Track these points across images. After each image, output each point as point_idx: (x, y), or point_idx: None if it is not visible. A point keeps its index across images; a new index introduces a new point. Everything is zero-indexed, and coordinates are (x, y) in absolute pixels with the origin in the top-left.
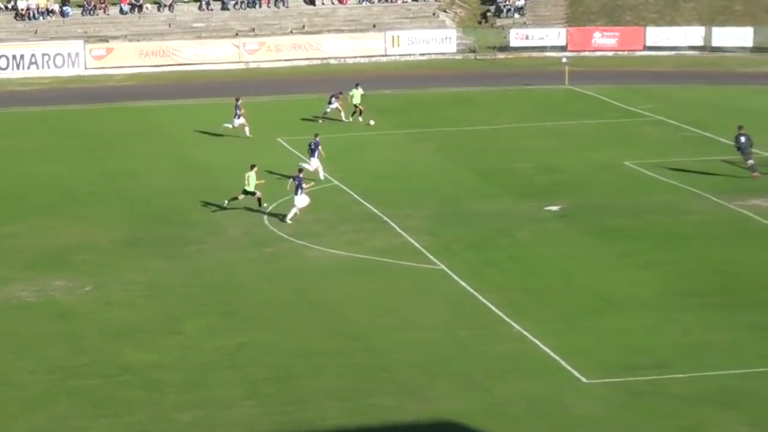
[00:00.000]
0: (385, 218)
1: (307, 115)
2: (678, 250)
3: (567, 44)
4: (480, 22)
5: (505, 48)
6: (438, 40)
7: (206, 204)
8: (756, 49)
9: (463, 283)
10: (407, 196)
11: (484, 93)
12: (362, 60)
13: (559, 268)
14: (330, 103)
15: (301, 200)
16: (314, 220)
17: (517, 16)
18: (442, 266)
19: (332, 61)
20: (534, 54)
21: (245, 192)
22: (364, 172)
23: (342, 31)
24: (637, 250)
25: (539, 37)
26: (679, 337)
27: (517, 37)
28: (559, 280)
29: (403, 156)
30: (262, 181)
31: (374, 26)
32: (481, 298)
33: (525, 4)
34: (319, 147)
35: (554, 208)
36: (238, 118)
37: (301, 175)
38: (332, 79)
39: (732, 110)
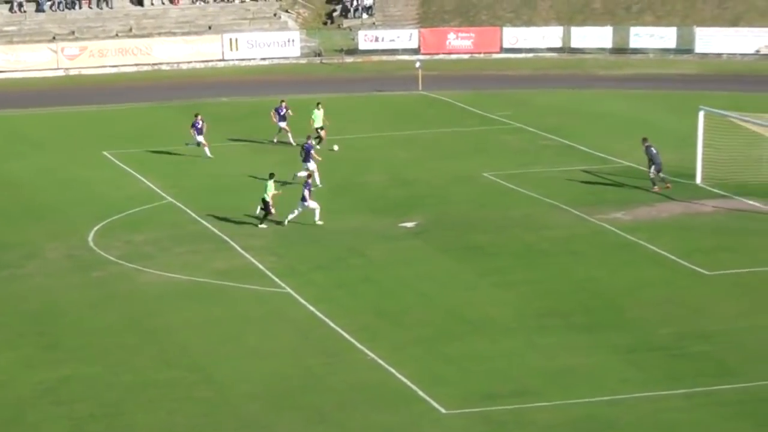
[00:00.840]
0: (225, 238)
1: (133, 125)
2: (539, 268)
3: (420, 46)
4: (325, 23)
5: (353, 51)
6: (280, 43)
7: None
8: (615, 50)
9: (311, 308)
10: (249, 214)
11: (331, 100)
12: (198, 65)
13: (415, 289)
14: (281, 117)
15: (311, 204)
16: (146, 240)
17: (365, 16)
18: (289, 289)
19: (164, 67)
20: (385, 57)
21: (263, 202)
22: (201, 187)
23: (174, 33)
24: (497, 269)
25: (390, 39)
26: (542, 362)
27: (366, 39)
28: (416, 302)
29: (243, 169)
30: (279, 192)
31: (210, 28)
32: (331, 323)
33: (374, 4)
34: (312, 150)
35: (410, 224)
36: (199, 134)
37: (309, 180)
38: (164, 87)
39: (592, 115)
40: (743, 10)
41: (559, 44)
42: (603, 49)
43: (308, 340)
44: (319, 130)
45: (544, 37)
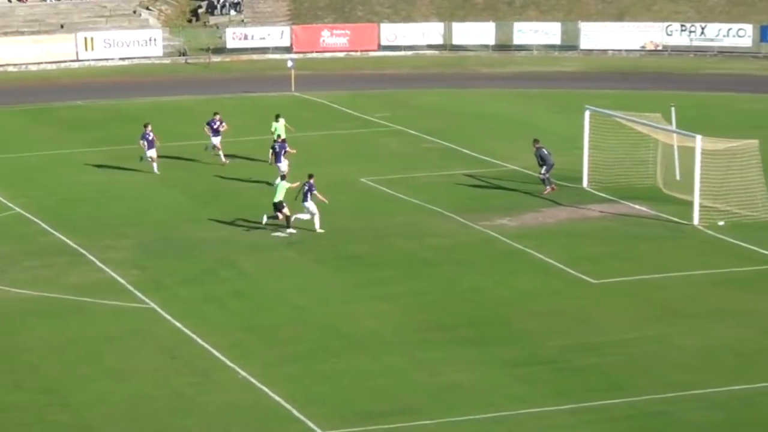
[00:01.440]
0: (81, 250)
1: None
2: (421, 278)
3: (292, 45)
4: (190, 21)
5: (221, 50)
6: (141, 42)
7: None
8: (498, 47)
9: (177, 324)
10: (107, 224)
11: (197, 102)
12: (49, 67)
13: (289, 302)
14: (214, 131)
15: (310, 207)
16: None
17: (233, 13)
18: (153, 304)
19: (10, 69)
20: (255, 56)
21: (276, 205)
22: (52, 196)
23: (22, 33)
24: (377, 280)
25: (260, 36)
26: (425, 378)
27: (234, 37)
28: (290, 317)
29: (100, 177)
30: (297, 185)
31: (62, 27)
32: (199, 340)
33: (242, 0)
34: (286, 149)
35: (283, 233)
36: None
37: (311, 181)
38: (10, 90)
39: (476, 116)
40: (629, 4)
41: (440, 41)
42: (486, 46)
43: (174, 359)
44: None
45: (424, 33)
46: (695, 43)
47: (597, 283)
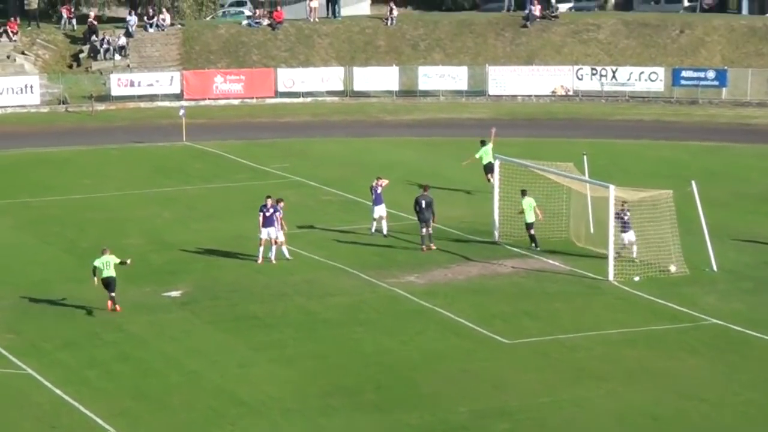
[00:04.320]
0: None
1: None
2: (323, 340)
3: (183, 91)
4: (71, 66)
5: (105, 97)
6: (16, 90)
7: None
8: (403, 92)
9: (58, 391)
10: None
11: (80, 153)
12: None
13: (181, 366)
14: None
15: (380, 209)
16: None
17: (118, 57)
18: (30, 370)
19: None
20: (143, 104)
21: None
22: None
23: None
24: (276, 342)
25: (148, 83)
26: None
27: (119, 84)
28: (182, 382)
29: None
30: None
31: None
32: (82, 408)
33: (128, 44)
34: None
35: (175, 293)
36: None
37: (378, 188)
38: None
39: (379, 166)
40: (537, 46)
41: (340, 87)
42: (389, 92)
43: (55, 429)
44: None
45: (324, 79)
46: (606, 88)
47: (510, 343)
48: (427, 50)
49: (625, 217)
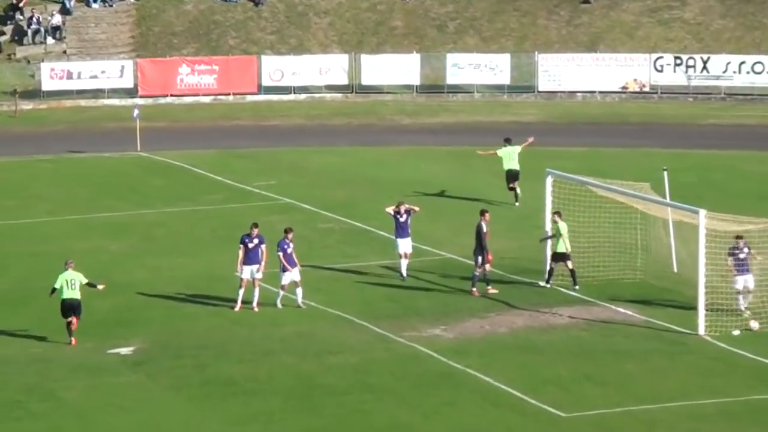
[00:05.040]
0: None
1: None
2: (320, 412)
3: (137, 85)
4: None
5: (34, 93)
6: None
7: None
8: (426, 88)
9: None
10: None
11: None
12: None
13: None
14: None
15: (405, 244)
16: None
17: (51, 41)
18: None
19: None
20: (83, 102)
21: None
22: None
23: None
24: (259, 415)
25: (90, 74)
26: None
27: (53, 76)
28: None
29: None
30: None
31: None
32: None
33: (64, 23)
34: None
35: (125, 350)
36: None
37: (404, 215)
38: None
39: (394, 185)
40: (603, 28)
41: (343, 80)
42: (408, 87)
43: None
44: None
45: (323, 69)
46: (695, 83)
47: (567, 417)
48: (458, 33)
49: (743, 255)
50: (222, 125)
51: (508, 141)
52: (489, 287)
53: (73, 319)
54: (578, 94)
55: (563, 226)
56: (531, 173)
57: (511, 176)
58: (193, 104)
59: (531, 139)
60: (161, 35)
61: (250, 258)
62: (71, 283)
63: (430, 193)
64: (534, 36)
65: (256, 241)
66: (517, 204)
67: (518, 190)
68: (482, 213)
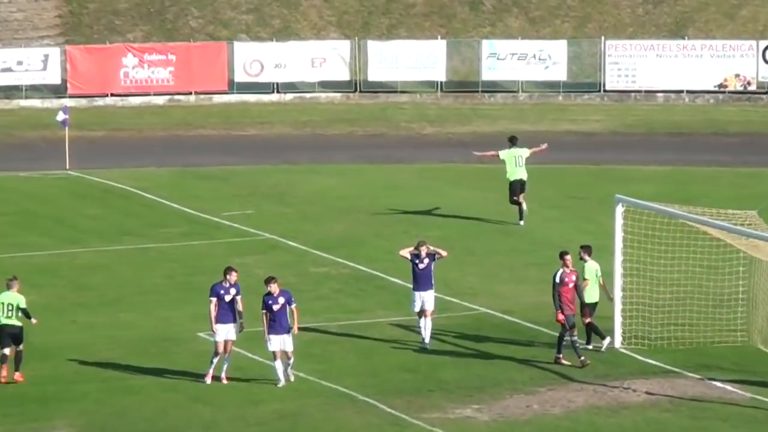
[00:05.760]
0: None
1: None
2: None
3: (66, 81)
4: None
5: None
6: None
7: None
8: (454, 85)
9: None
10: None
11: None
12: None
13: None
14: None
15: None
16: None
17: None
18: None
19: None
20: None
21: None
22: None
23: None
24: None
25: (2, 65)
26: None
27: None
28: None
29: None
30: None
31: None
32: None
33: None
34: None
35: None
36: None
37: (425, 259)
38: None
39: (411, 215)
40: (692, 7)
41: (344, 74)
42: (430, 84)
43: None
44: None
45: (316, 61)
46: None
47: None
48: (497, 12)
49: None
50: (181, 135)
51: (513, 141)
52: (560, 355)
53: (11, 349)
54: (659, 94)
55: (592, 267)
56: (593, 200)
57: (517, 187)
58: (141, 107)
59: (544, 146)
60: (99, 15)
61: (226, 314)
62: (8, 308)
63: (459, 227)
64: (599, 16)
65: (233, 291)
66: (521, 223)
67: (524, 206)
68: (562, 256)
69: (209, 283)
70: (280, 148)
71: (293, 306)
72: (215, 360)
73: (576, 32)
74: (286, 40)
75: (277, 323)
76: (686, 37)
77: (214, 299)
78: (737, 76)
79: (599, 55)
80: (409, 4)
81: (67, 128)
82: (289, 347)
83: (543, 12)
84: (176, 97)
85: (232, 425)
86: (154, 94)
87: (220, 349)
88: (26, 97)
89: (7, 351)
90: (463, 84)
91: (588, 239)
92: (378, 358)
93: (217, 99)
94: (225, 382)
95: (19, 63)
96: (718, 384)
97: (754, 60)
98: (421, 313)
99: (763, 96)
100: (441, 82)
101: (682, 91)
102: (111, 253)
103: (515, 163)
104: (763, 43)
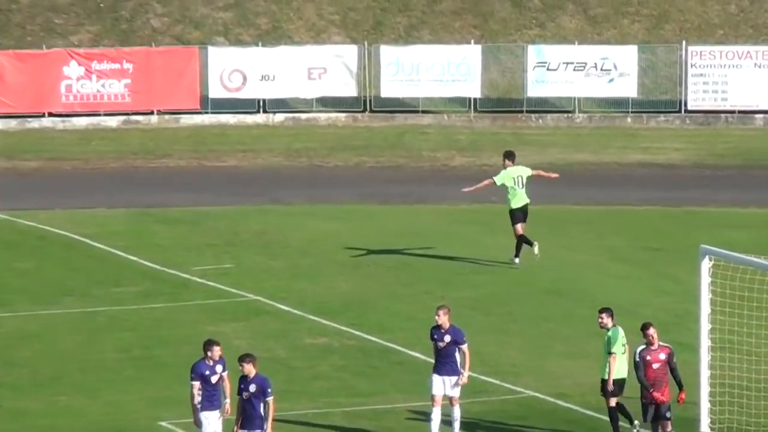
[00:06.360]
0: None
1: None
2: None
3: None
4: None
5: None
6: None
7: None
8: (490, 103)
9: None
10: None
11: None
12: None
13: None
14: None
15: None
16: None
17: None
18: None
19: None
20: None
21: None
22: None
23: None
24: None
25: None
26: None
27: None
28: None
29: None
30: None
31: None
32: None
33: None
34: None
35: None
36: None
37: (446, 336)
38: None
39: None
40: None
41: (351, 90)
42: (460, 102)
43: None
44: None
45: (315, 71)
46: None
47: None
48: (547, 10)
49: None
50: (139, 166)
51: (511, 158)
52: None
53: None
54: (757, 116)
55: (617, 335)
56: (675, 249)
57: (521, 216)
58: (89, 130)
59: (555, 175)
60: (33, 11)
61: (213, 399)
62: None
63: (497, 286)
64: (680, 15)
65: (219, 369)
66: (516, 261)
67: (536, 249)
68: (644, 329)
69: (172, 357)
70: (266, 184)
71: (269, 399)
72: None
73: (649, 35)
74: (275, 45)
75: (247, 415)
76: None
77: (197, 383)
78: None
79: (679, 65)
80: None
81: None
82: None
83: (606, 9)
84: (134, 117)
85: None
86: (105, 114)
87: None
88: None
89: None
90: (503, 102)
91: (666, 302)
92: None
93: (186, 120)
94: None
95: None
96: None
97: None
98: (439, 400)
99: None
100: (475, 100)
101: None
102: (47, 319)
103: (516, 184)
104: None
